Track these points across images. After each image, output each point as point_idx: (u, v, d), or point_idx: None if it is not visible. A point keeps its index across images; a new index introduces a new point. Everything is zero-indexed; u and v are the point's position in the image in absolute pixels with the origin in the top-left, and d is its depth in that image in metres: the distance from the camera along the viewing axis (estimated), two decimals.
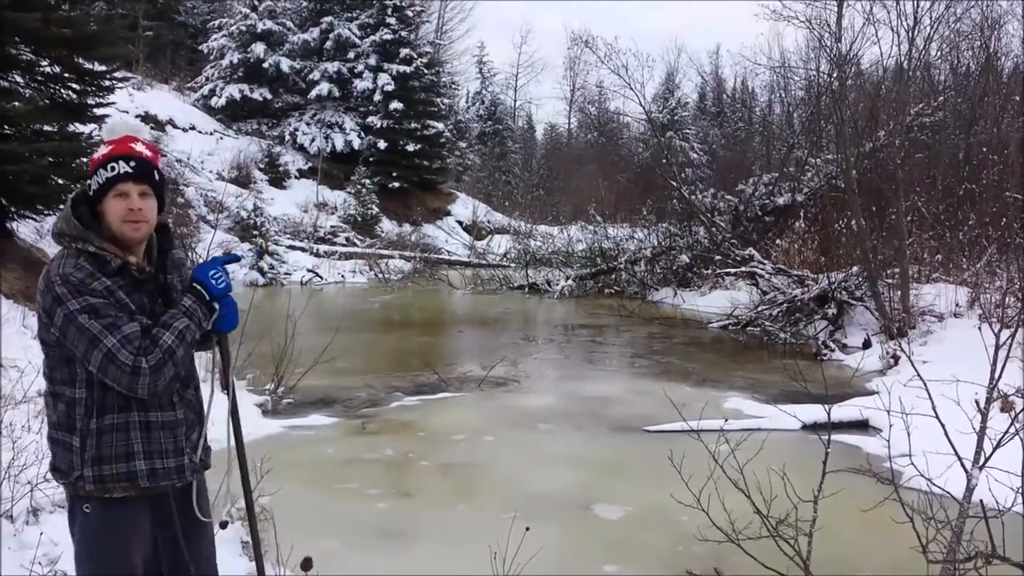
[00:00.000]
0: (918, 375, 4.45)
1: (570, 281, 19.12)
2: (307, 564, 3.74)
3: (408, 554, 4.80)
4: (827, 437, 4.45)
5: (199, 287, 2.42)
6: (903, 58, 13.33)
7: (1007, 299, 11.47)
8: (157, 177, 2.43)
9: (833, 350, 11.07)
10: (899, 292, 11.50)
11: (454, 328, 15.62)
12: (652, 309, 16.39)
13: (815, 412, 7.66)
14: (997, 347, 4.44)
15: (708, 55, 68.30)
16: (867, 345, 11.18)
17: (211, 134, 30.41)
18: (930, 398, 4.34)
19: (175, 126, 29.02)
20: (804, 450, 6.77)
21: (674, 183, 17.92)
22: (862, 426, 7.57)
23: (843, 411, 7.47)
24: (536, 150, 56.54)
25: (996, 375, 4.22)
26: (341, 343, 10.04)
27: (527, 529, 3.80)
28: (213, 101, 32.16)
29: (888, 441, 4.33)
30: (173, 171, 24.19)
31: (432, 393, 8.82)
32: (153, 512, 2.43)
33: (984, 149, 15.71)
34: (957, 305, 11.50)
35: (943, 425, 4.14)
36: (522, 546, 3.90)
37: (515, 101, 57.53)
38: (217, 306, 2.46)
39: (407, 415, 7.94)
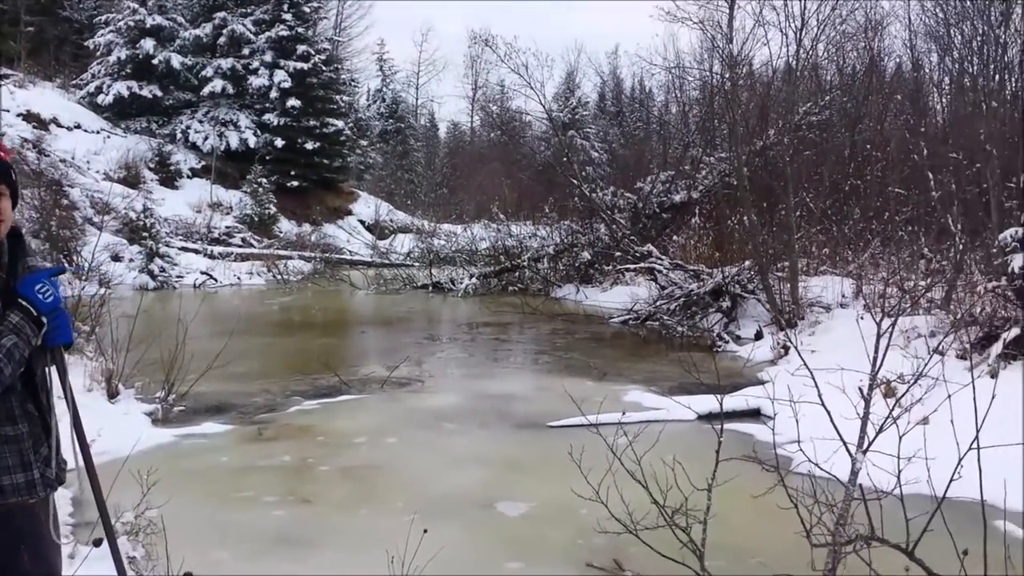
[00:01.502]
0: (804, 364, 4.61)
1: (474, 279, 19.12)
2: None
3: (307, 562, 4.67)
4: (720, 427, 4.57)
5: (25, 302, 2.30)
6: (791, 59, 13.87)
7: (888, 290, 12.06)
8: (13, 177, 2.31)
9: (727, 342, 11.41)
10: (788, 285, 11.94)
11: (356, 329, 15.39)
12: (555, 306, 16.56)
13: (709, 403, 7.88)
14: (879, 336, 4.64)
15: (607, 56, 69.54)
16: (759, 336, 11.57)
17: (98, 133, 29.11)
18: (816, 386, 4.50)
19: (59, 125, 27.65)
20: (699, 440, 6.94)
21: (575, 181, 18.14)
22: (754, 415, 7.81)
23: (736, 401, 7.67)
24: (439, 148, 56.40)
25: (878, 362, 4.42)
26: (237, 347, 9.75)
27: (424, 531, 3.74)
28: (100, 99, 30.82)
29: (773, 429, 4.46)
30: (57, 171, 23.01)
31: (333, 396, 8.65)
32: (3, 529, 2.29)
33: (868, 146, 16.48)
34: (843, 296, 12.01)
35: (828, 412, 4.29)
36: (424, 548, 3.86)
37: (417, 99, 57.28)
38: (46, 320, 2.34)
39: (306, 419, 7.75)
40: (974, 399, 3.64)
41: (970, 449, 3.33)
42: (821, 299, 11.83)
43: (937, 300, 10.89)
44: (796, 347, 4.65)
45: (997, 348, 8.28)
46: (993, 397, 3.72)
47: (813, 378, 4.61)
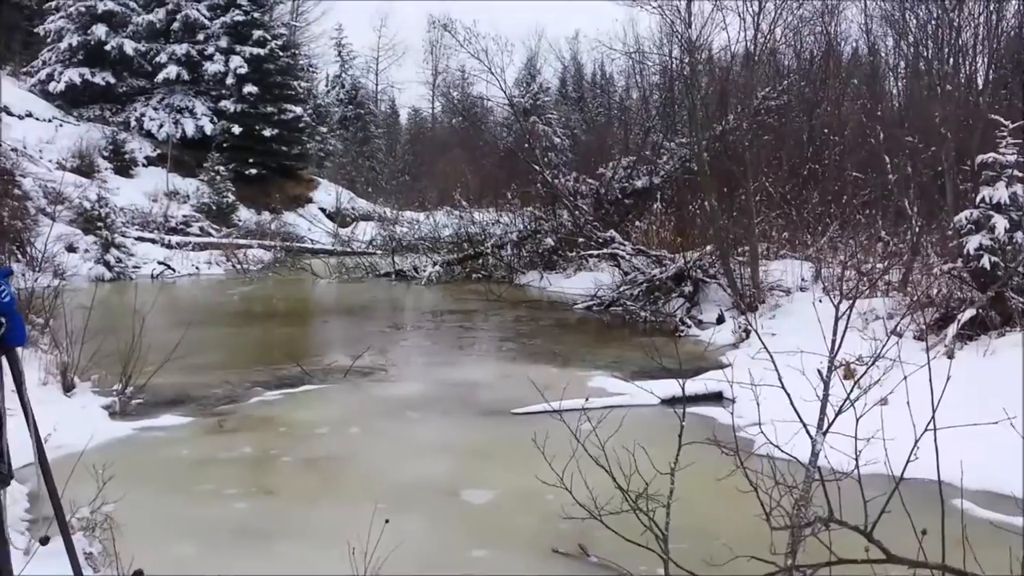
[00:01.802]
0: (764, 348, 4.64)
1: (437, 267, 19.04)
2: None
3: (269, 555, 4.62)
4: (682, 411, 4.59)
5: None
6: (750, 44, 13.94)
7: (847, 273, 12.23)
8: None
9: (689, 326, 11.50)
10: (749, 269, 12.06)
11: (319, 318, 15.24)
12: (519, 292, 16.57)
13: (672, 387, 7.94)
14: (836, 318, 4.69)
15: (567, 41, 69.36)
16: (720, 320, 11.68)
17: (50, 121, 28.43)
18: (776, 369, 4.54)
19: (10, 113, 26.95)
20: (662, 424, 6.94)
21: (538, 167, 18.12)
22: (716, 398, 7.88)
23: (698, 385, 7.74)
24: (400, 135, 55.97)
25: (836, 344, 4.47)
26: (196, 338, 9.61)
27: (386, 521, 3.71)
28: (51, 86, 30.10)
29: (733, 413, 4.50)
30: (8, 161, 22.40)
31: (295, 386, 8.55)
32: None
33: (826, 131, 16.67)
34: (803, 280, 12.16)
35: (788, 394, 4.33)
36: (387, 539, 3.82)
37: (377, 85, 56.75)
38: (4, 320, 2.27)
39: (268, 410, 7.66)
40: (930, 380, 3.69)
41: (926, 430, 3.38)
42: (781, 283, 11.97)
43: (894, 282, 11.08)
44: (756, 331, 4.69)
45: (953, 329, 8.44)
46: (948, 378, 3.78)
47: (773, 361, 4.65)
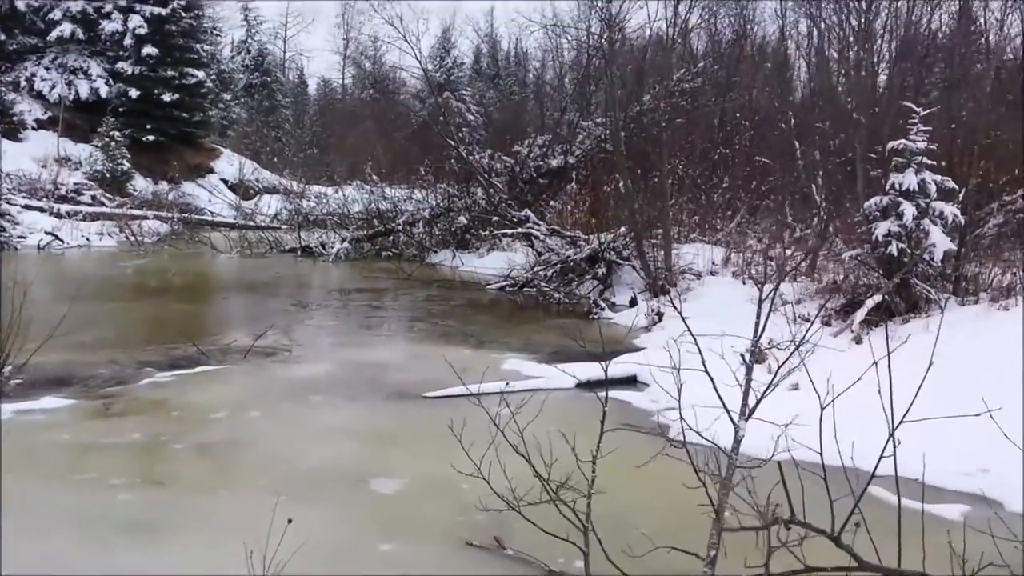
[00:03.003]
0: (689, 332, 4.49)
1: (346, 244, 18.48)
2: None
3: (157, 552, 4.22)
4: (604, 396, 4.41)
5: None
6: (667, 25, 13.90)
7: (755, 257, 12.39)
8: None
9: (603, 308, 11.42)
10: (662, 252, 12.05)
11: (218, 295, 14.56)
12: (431, 271, 16.22)
13: (588, 370, 7.81)
14: (760, 301, 4.58)
15: (484, 15, 68.76)
16: (633, 303, 11.65)
17: None
18: (700, 353, 4.40)
19: None
20: (579, 408, 6.82)
21: (452, 142, 17.75)
22: (631, 382, 7.79)
23: (615, 368, 7.61)
24: (309, 105, 54.36)
25: (760, 329, 4.35)
26: (83, 313, 8.97)
27: (289, 521, 3.39)
28: None
29: (654, 402, 4.31)
30: None
31: (190, 367, 8.03)
32: None
33: (738, 115, 16.85)
34: (713, 263, 12.26)
35: (712, 379, 4.20)
36: (290, 534, 3.51)
37: (285, 52, 54.98)
38: None
39: (159, 393, 7.15)
40: (836, 367, 3.62)
41: (823, 409, 3.32)
42: (692, 267, 12.02)
43: (802, 268, 11.25)
44: (680, 314, 4.52)
45: (860, 315, 8.58)
46: (879, 364, 3.70)
47: (698, 346, 4.50)
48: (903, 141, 8.77)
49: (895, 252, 8.67)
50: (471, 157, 17.36)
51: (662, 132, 12.56)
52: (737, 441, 4.25)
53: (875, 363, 3.57)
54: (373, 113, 44.42)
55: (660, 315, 10.36)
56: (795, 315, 9.53)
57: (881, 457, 2.89)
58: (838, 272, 10.06)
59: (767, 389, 4.21)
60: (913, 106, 8.90)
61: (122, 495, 4.92)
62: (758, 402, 4.20)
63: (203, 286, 15.60)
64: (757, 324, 4.44)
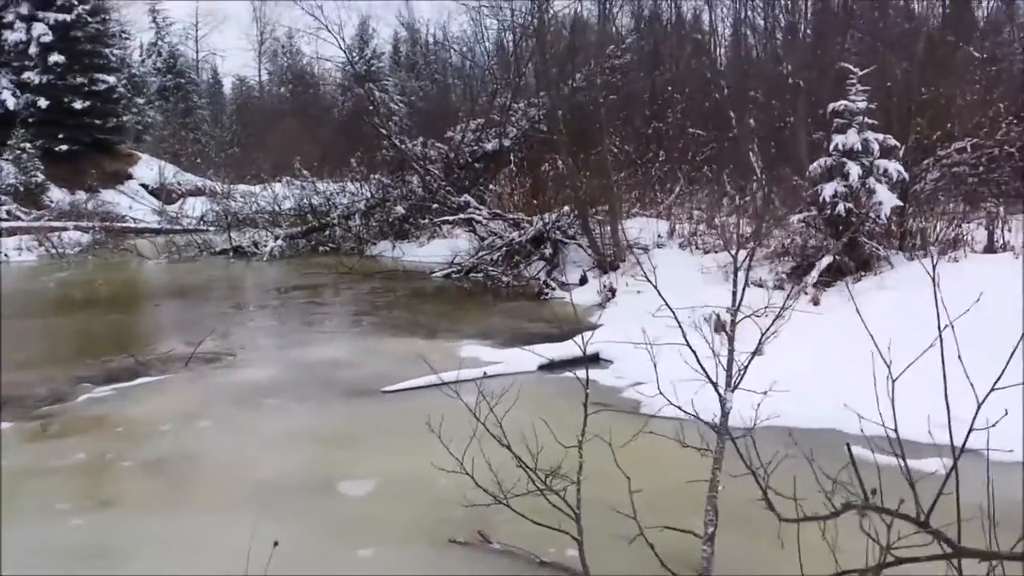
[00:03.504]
0: (666, 304, 4.32)
1: (280, 241, 17.90)
2: None
3: None
4: (586, 378, 4.21)
5: None
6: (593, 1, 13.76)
7: (701, 227, 12.36)
8: None
9: (553, 288, 11.25)
10: (608, 228, 11.92)
11: (150, 303, 13.90)
12: (372, 264, 15.81)
13: (549, 352, 7.63)
14: (736, 269, 4.44)
15: (404, 2, 67.76)
16: (584, 281, 11.50)
17: None
18: (680, 327, 4.24)
19: None
20: (547, 391, 6.66)
21: (384, 131, 17.31)
22: (593, 359, 7.62)
23: (572, 348, 7.42)
24: (226, 105, 52.84)
25: (739, 297, 4.20)
26: (10, 331, 8.40)
27: (276, 544, 3.11)
28: None
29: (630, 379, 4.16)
30: None
31: (129, 379, 7.57)
32: None
33: (669, 88, 16.82)
34: (659, 236, 12.17)
35: (694, 351, 4.03)
36: (259, 552, 3.22)
37: (197, 52, 53.29)
38: None
39: (99, 408, 6.69)
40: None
41: (894, 382, 3.12)
42: (640, 240, 11.91)
43: (746, 234, 11.25)
44: (655, 285, 4.36)
45: (813, 276, 8.57)
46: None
47: (676, 319, 4.35)
48: (843, 102, 8.77)
49: (843, 212, 8.69)
50: (404, 146, 16.96)
51: (600, 108, 12.40)
52: (725, 414, 4.10)
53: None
54: (295, 109, 43.39)
55: (613, 291, 10.24)
56: (747, 280, 9.49)
57: (971, 429, 2.67)
58: (785, 236, 10.06)
59: (750, 358, 4.08)
60: (851, 67, 8.91)
61: (72, 520, 4.55)
62: (743, 373, 4.06)
63: (133, 294, 14.91)
64: (735, 292, 4.30)
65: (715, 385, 4.01)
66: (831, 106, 8.82)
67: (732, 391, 4.07)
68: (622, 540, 3.92)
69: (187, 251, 19.18)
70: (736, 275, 4.30)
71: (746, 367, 4.03)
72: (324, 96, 46.70)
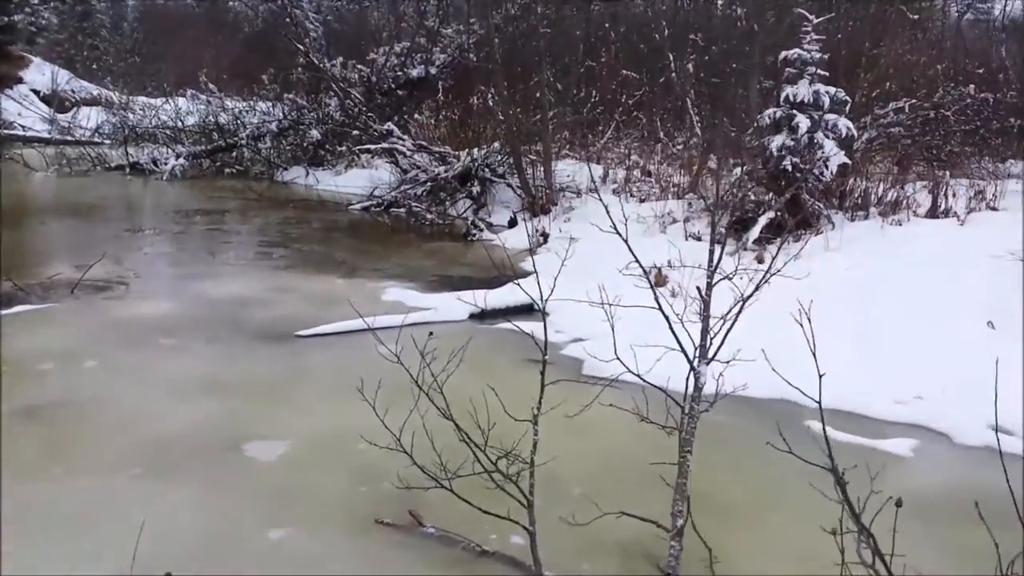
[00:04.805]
0: (637, 262, 3.87)
1: (181, 160, 16.60)
2: None
3: None
4: (544, 344, 3.70)
5: None
6: None
7: (635, 174, 11.92)
8: None
9: (481, 230, 10.65)
10: (541, 168, 11.34)
11: (34, 220, 12.64)
12: (283, 190, 14.82)
13: (479, 299, 7.07)
14: (714, 228, 3.96)
15: None
16: (513, 224, 10.95)
17: None
18: (652, 288, 3.76)
19: None
20: (481, 344, 6.08)
21: (301, 47, 16.11)
22: (528, 310, 7.10)
23: (514, 296, 6.90)
24: (127, 11, 49.30)
25: (717, 258, 3.73)
26: None
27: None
28: None
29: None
30: None
31: (7, 306, 6.69)
32: None
33: (607, 24, 16.16)
34: (593, 181, 11.66)
35: (667, 318, 3.57)
36: (153, 526, 2.62)
37: None
38: None
39: None
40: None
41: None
42: (572, 184, 11.38)
43: (683, 184, 10.88)
44: (626, 243, 3.87)
45: (755, 233, 8.26)
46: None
47: (647, 275, 3.88)
48: (797, 50, 8.37)
49: (789, 167, 8.35)
50: (323, 65, 15.82)
51: (539, 38, 11.67)
52: (699, 388, 3.66)
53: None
54: (203, 18, 40.73)
55: (545, 236, 9.73)
56: (686, 233, 9.15)
57: None
58: (728, 191, 9.71)
59: (730, 325, 3.63)
60: (807, 13, 8.50)
61: None
62: (722, 343, 3.62)
63: (16, 210, 13.52)
64: (712, 252, 3.82)
65: (689, 358, 3.56)
66: (783, 53, 8.41)
67: (707, 364, 3.63)
68: (571, 523, 3.47)
69: (79, 164, 17.64)
70: (713, 235, 3.82)
71: (725, 337, 3.59)
72: (235, 6, 44.01)
